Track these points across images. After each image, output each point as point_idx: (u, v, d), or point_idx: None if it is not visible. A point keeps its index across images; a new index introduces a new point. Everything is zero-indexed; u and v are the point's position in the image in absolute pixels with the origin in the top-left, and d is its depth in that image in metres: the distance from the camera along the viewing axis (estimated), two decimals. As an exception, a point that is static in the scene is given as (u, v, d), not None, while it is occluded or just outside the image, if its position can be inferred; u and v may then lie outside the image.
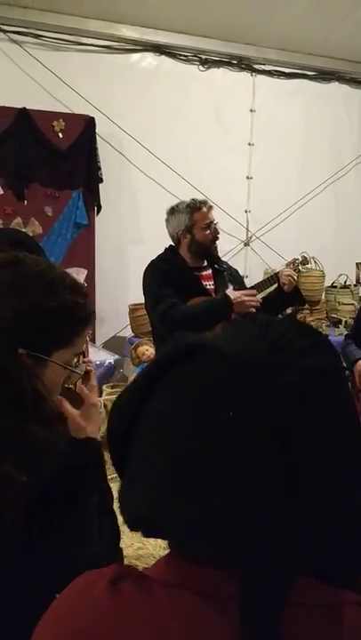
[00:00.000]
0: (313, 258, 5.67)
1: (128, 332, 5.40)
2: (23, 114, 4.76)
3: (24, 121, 4.78)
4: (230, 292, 2.85)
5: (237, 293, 2.82)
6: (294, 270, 3.05)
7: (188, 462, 0.51)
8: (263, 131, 5.87)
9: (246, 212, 5.92)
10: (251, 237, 5.95)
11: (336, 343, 4.84)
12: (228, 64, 5.67)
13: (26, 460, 0.97)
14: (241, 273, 5.96)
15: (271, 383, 0.51)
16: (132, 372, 4.66)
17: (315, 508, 0.50)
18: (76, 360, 1.13)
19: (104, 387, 4.42)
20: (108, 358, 4.57)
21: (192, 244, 2.94)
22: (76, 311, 1.11)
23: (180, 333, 0.61)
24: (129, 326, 5.33)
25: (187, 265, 2.98)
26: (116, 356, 4.65)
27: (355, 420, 0.55)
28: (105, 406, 4.28)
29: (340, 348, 3.58)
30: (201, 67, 5.57)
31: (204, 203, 2.98)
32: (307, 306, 5.55)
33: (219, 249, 5.61)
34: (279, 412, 0.50)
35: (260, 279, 5.82)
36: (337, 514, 0.51)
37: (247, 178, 5.90)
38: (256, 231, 5.94)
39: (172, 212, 3.00)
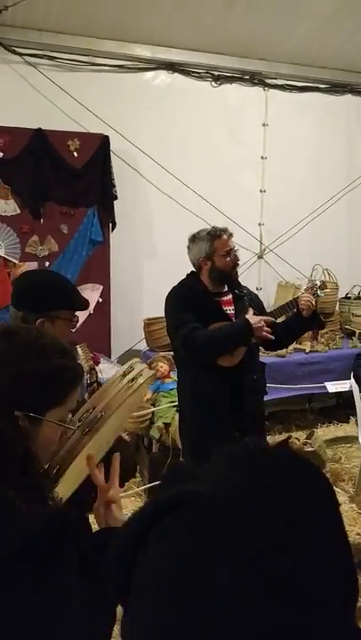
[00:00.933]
0: (326, 270, 5.72)
1: (143, 346, 5.47)
2: (39, 134, 4.86)
3: (40, 141, 4.88)
4: (250, 316, 2.89)
5: (257, 318, 2.88)
6: (313, 295, 3.07)
7: (178, 616, 0.51)
8: (276, 144, 5.92)
9: (260, 224, 5.97)
10: (264, 250, 6.00)
11: (350, 355, 4.87)
12: (241, 79, 5.73)
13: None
14: (255, 286, 6.03)
15: (258, 536, 0.51)
16: (146, 388, 4.72)
17: None
18: (69, 416, 1.22)
19: (119, 402, 4.49)
20: (124, 374, 4.63)
21: (213, 270, 2.99)
22: (66, 373, 1.22)
23: (172, 474, 0.63)
24: (144, 340, 5.40)
25: (208, 290, 3.03)
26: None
27: (346, 559, 0.56)
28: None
29: (353, 367, 3.62)
30: (214, 83, 5.63)
31: (224, 230, 3.03)
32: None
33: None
34: (267, 565, 0.50)
35: (274, 292, 5.91)
36: None
37: (260, 191, 5.95)
38: (270, 244, 5.98)
39: (194, 239, 3.05)
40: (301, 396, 5.44)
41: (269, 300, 5.82)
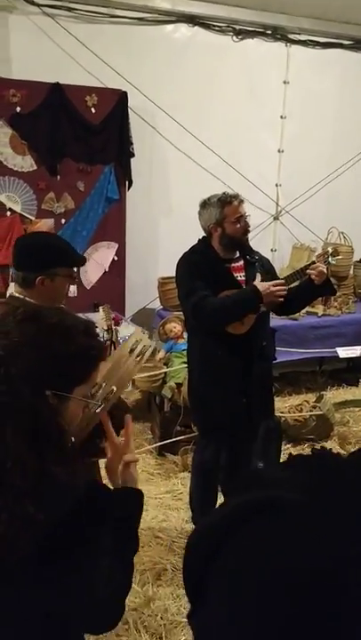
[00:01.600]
0: (342, 233, 5.69)
1: (157, 305, 5.51)
2: (56, 88, 4.79)
3: (57, 96, 4.81)
4: (258, 282, 2.88)
5: (266, 284, 2.86)
6: (324, 263, 3.06)
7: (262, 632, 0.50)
8: (296, 103, 5.81)
9: (277, 185, 5.91)
10: (280, 211, 5.96)
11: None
12: (263, 34, 5.59)
13: (44, 499, 1.11)
14: (270, 247, 6.02)
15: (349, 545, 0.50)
16: (160, 348, 4.79)
17: None
18: (92, 391, 1.28)
19: (133, 361, 4.56)
20: (137, 333, 4.69)
21: (223, 237, 2.98)
22: (90, 352, 1.28)
23: (249, 478, 0.61)
24: (158, 299, 5.44)
25: (219, 257, 3.02)
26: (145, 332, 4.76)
27: None
28: (133, 382, 4.44)
29: None
30: (235, 37, 5.50)
31: (235, 197, 3.00)
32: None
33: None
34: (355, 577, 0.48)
35: (289, 253, 5.89)
36: None
37: (278, 151, 5.87)
38: (286, 205, 5.94)
39: (204, 205, 3.03)
40: (313, 358, 5.49)
41: (284, 263, 5.82)
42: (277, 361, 5.12)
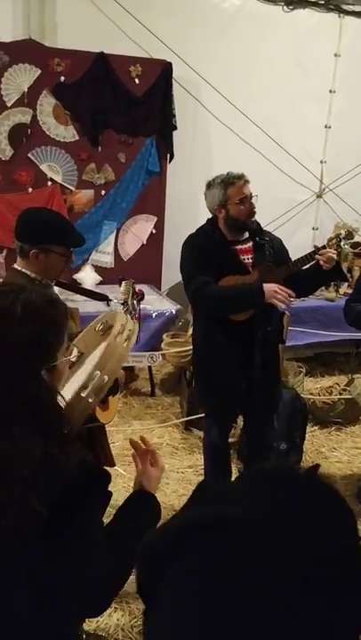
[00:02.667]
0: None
1: (194, 279, 5.49)
2: (100, 58, 4.78)
3: (101, 65, 4.80)
4: (268, 285, 2.75)
5: (273, 288, 2.74)
6: (336, 247, 2.93)
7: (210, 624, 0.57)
8: (347, 77, 5.62)
9: (321, 162, 5.77)
10: (324, 189, 5.83)
11: None
12: (315, 4, 5.40)
13: (43, 485, 1.14)
14: (311, 226, 5.91)
15: (281, 568, 0.56)
16: (192, 323, 4.80)
17: None
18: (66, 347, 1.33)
19: (164, 336, 4.60)
20: (171, 308, 4.72)
21: (227, 219, 2.89)
22: (60, 319, 1.31)
23: (201, 492, 0.67)
24: (195, 274, 5.42)
25: (225, 239, 2.93)
26: (178, 306, 4.79)
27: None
28: (163, 356, 4.48)
29: (346, 310, 3.39)
30: (286, 7, 5.34)
31: (239, 177, 2.87)
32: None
33: (290, 199, 5.58)
34: (291, 595, 0.54)
35: (331, 233, 5.77)
36: None
37: (325, 127, 5.71)
38: (330, 183, 5.80)
39: (209, 186, 2.94)
40: (349, 340, 5.40)
41: (324, 242, 5.70)
42: (312, 342, 5.12)
